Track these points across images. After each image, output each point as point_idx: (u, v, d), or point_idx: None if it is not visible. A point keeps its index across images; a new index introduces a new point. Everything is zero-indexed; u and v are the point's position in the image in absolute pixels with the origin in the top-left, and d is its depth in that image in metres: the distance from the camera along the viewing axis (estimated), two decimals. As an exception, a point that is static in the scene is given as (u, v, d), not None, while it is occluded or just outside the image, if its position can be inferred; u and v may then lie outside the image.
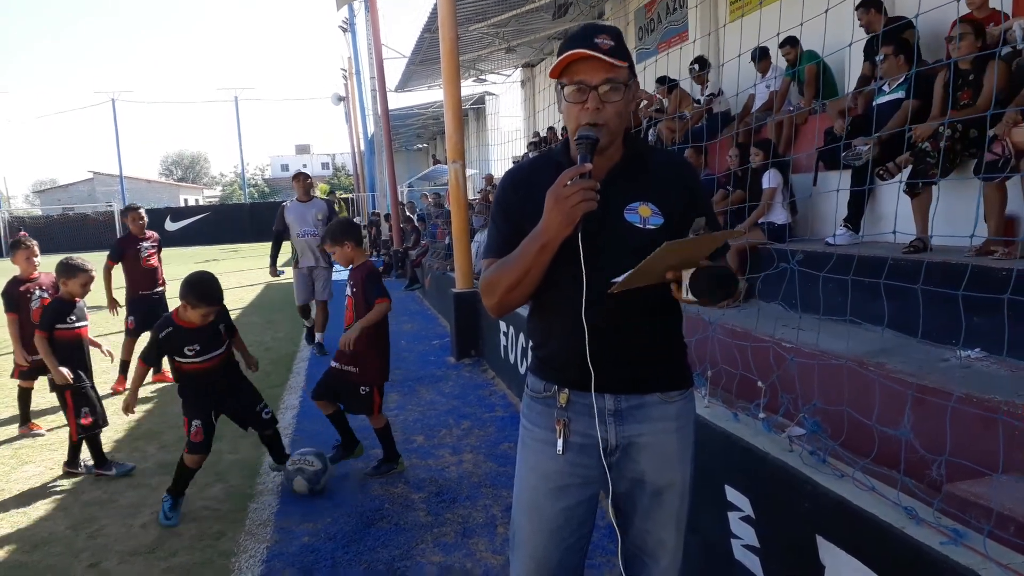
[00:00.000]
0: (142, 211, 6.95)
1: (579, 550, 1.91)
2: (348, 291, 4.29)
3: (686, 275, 1.57)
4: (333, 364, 4.29)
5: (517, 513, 1.94)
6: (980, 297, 3.02)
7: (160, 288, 6.99)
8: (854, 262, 4.10)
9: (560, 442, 1.82)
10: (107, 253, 6.91)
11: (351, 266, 4.35)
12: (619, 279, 1.59)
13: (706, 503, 2.70)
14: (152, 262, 6.88)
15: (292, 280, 8.05)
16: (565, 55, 1.67)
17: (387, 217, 19.00)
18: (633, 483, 1.86)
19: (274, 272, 7.96)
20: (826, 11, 3.77)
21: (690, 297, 1.57)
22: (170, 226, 37.58)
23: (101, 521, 3.93)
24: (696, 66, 8.60)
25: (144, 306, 6.82)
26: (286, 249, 7.92)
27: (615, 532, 1.93)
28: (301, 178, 7.88)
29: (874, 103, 5.63)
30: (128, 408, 3.95)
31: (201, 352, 3.90)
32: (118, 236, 7.06)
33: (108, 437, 5.35)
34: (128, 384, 4.92)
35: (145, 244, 6.84)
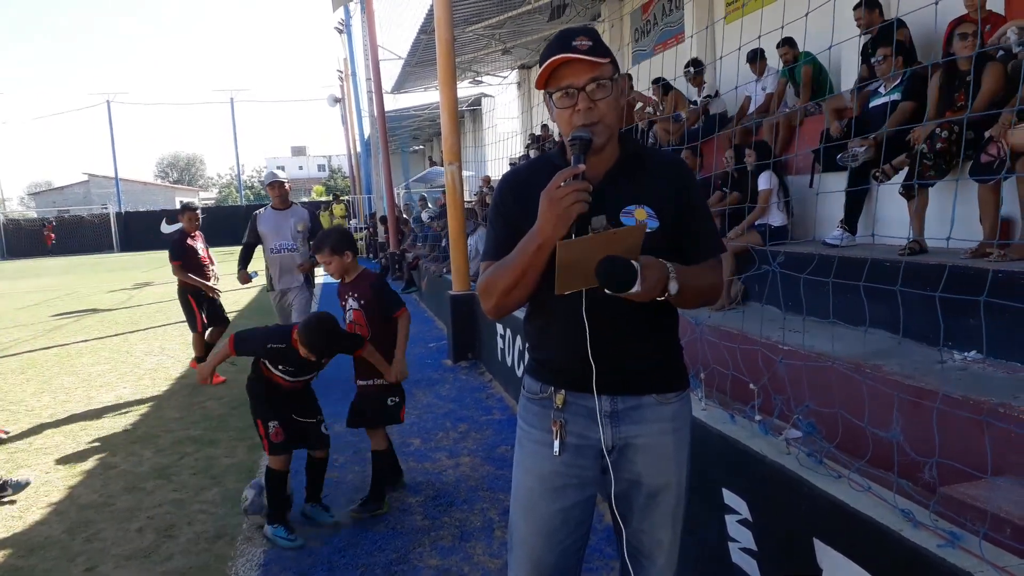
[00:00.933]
0: (199, 211, 7.36)
1: (576, 552, 1.91)
2: (353, 304, 3.95)
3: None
4: (360, 383, 4.04)
5: (514, 514, 1.94)
6: (975, 299, 3.03)
7: (215, 283, 7.41)
8: (835, 263, 4.11)
9: (557, 443, 1.83)
10: (167, 254, 7.22)
11: (344, 279, 4.02)
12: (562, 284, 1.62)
13: (703, 506, 2.70)
14: (206, 259, 7.32)
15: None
16: (547, 63, 1.68)
17: (382, 219, 19.00)
18: (629, 484, 1.86)
19: (244, 278, 6.38)
20: (834, 9, 3.78)
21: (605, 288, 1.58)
22: (165, 228, 37.42)
23: (97, 525, 3.92)
24: (691, 68, 8.61)
25: (206, 301, 7.28)
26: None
27: (612, 535, 1.93)
28: (276, 186, 6.28)
29: (870, 105, 5.65)
30: (203, 379, 4.23)
31: (293, 374, 3.73)
32: (173, 236, 7.30)
33: (105, 441, 5.35)
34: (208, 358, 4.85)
35: (199, 243, 7.25)
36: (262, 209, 6.40)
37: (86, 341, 9.95)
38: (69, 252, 36.74)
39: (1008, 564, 1.66)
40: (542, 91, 1.76)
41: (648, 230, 1.74)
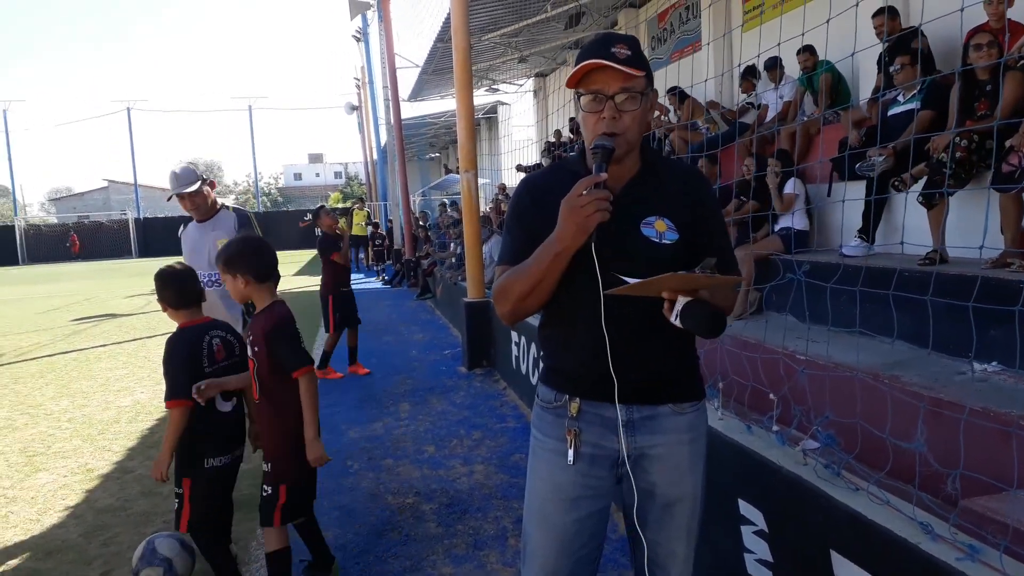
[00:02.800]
0: (336, 213, 7.63)
1: (590, 562, 1.90)
2: (249, 351, 3.00)
3: (681, 300, 1.59)
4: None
5: (528, 524, 1.93)
6: (996, 309, 2.99)
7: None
8: (862, 272, 4.08)
9: (571, 452, 1.82)
10: (321, 250, 7.57)
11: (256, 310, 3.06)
12: (621, 287, 1.60)
13: (719, 517, 2.68)
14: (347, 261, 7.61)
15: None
16: (582, 64, 1.67)
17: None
18: (644, 495, 1.85)
19: None
20: (856, 16, 3.76)
21: (677, 322, 1.60)
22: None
23: (114, 529, 3.95)
24: (751, 76, 8.33)
25: (342, 301, 7.45)
26: None
27: (626, 545, 1.92)
28: (182, 198, 4.24)
29: (888, 113, 5.61)
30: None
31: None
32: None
33: (122, 445, 5.39)
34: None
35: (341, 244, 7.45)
36: (183, 225, 4.54)
37: (104, 346, 10.04)
38: (88, 258, 37.16)
39: (1031, 579, 1.64)
40: (572, 89, 1.75)
41: (668, 242, 1.74)
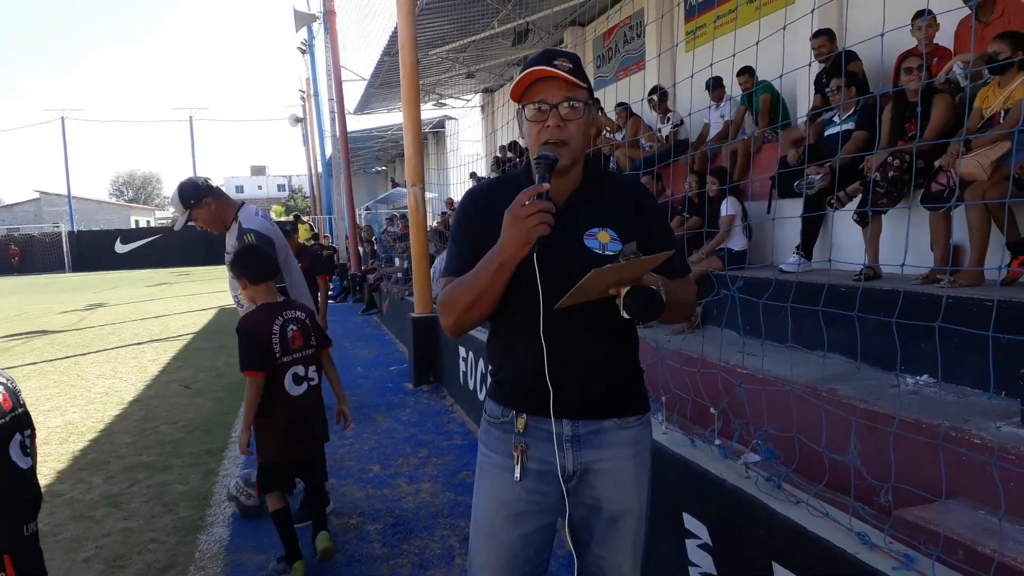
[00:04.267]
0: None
1: (536, 579, 1.89)
2: None
3: (623, 290, 1.59)
4: None
5: (474, 540, 1.92)
6: (927, 324, 3.10)
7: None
8: (792, 288, 4.18)
9: (518, 468, 1.81)
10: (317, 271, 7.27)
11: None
12: (564, 300, 1.60)
13: (664, 530, 2.70)
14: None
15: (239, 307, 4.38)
16: (525, 73, 1.69)
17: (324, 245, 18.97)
18: (590, 509, 1.85)
19: None
20: (797, 31, 3.87)
21: (624, 315, 1.59)
22: (120, 248, 36.81)
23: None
24: (654, 96, 8.74)
25: None
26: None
27: (573, 561, 1.92)
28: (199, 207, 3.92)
29: (825, 134, 5.79)
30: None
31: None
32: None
33: (51, 467, 5.18)
34: None
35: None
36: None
37: (35, 364, 9.66)
38: (19, 272, 35.78)
39: (961, 587, 1.69)
40: (516, 104, 1.76)
41: (611, 253, 1.75)
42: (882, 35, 3.05)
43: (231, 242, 3.89)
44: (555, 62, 1.68)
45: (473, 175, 16.18)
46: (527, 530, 1.83)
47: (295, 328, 3.44)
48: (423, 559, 3.58)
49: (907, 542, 1.98)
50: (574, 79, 1.68)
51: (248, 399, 3.31)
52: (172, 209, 3.67)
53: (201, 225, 3.92)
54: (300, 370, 3.43)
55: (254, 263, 3.45)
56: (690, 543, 2.60)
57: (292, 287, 3.98)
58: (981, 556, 2.23)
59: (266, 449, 3.38)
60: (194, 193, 3.84)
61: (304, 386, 3.44)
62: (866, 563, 1.83)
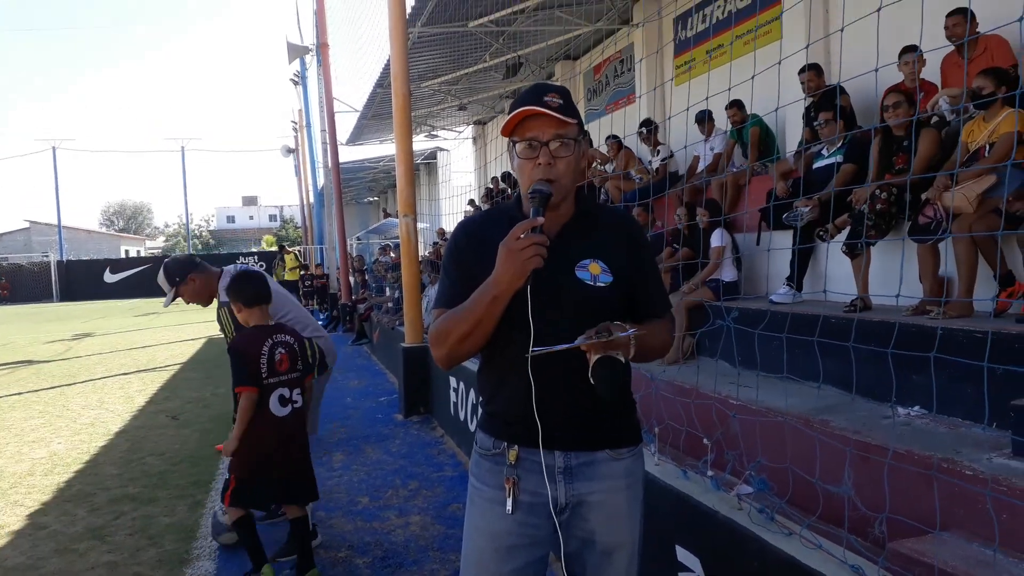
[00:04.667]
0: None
1: (528, 613, 1.86)
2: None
3: (593, 358, 1.62)
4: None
5: (465, 574, 1.89)
6: (918, 355, 3.11)
7: None
8: (787, 319, 4.20)
9: (509, 501, 1.79)
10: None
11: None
12: (539, 349, 1.64)
13: (656, 563, 2.67)
14: None
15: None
16: (516, 112, 1.71)
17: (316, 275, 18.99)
18: (582, 542, 1.83)
19: None
20: (784, 67, 3.94)
21: (591, 380, 1.63)
22: (109, 278, 36.60)
23: (22, 590, 3.70)
24: (644, 128, 8.84)
25: None
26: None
27: (565, 596, 1.89)
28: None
29: (814, 166, 5.86)
30: None
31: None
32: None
33: (35, 499, 5.10)
34: None
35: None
36: None
37: (20, 394, 9.55)
38: (6, 301, 35.51)
39: (957, 621, 1.67)
40: (507, 139, 1.78)
41: (602, 284, 1.76)
42: (875, 70, 3.10)
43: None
44: (545, 98, 1.70)
45: (472, 202, 16.26)
46: (518, 564, 1.81)
47: (283, 351, 3.57)
48: (413, 593, 3.53)
49: (901, 575, 1.96)
50: (563, 117, 1.69)
51: (241, 413, 3.44)
52: (161, 284, 4.09)
53: (188, 300, 4.07)
54: (286, 392, 3.56)
55: (249, 287, 3.63)
56: (683, 576, 2.57)
57: (292, 316, 4.11)
58: (976, 589, 2.21)
59: (243, 464, 3.50)
60: (178, 271, 4.02)
61: (289, 408, 3.57)
62: (861, 597, 1.81)
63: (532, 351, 1.65)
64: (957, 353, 3.26)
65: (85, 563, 3.98)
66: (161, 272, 4.06)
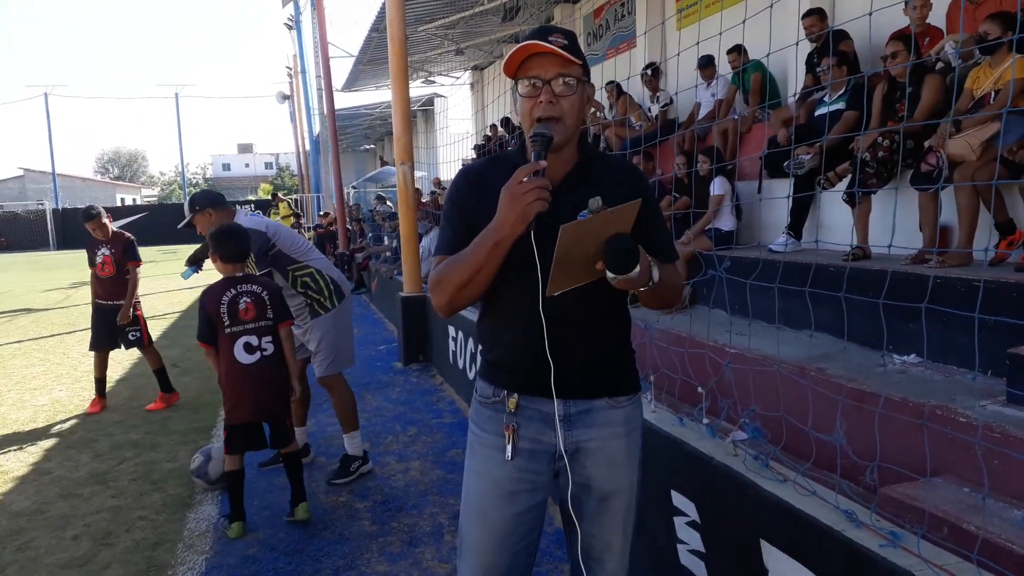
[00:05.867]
0: (102, 217, 6.04)
1: (527, 556, 1.90)
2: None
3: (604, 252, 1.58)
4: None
5: (465, 520, 1.92)
6: (916, 305, 3.11)
7: (118, 301, 6.01)
8: (779, 268, 4.19)
9: (509, 448, 1.81)
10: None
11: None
12: (554, 284, 1.59)
13: (652, 508, 2.72)
14: (107, 270, 5.99)
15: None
16: (519, 48, 1.67)
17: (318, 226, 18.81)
18: (581, 488, 1.86)
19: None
20: (771, 17, 3.85)
21: (610, 276, 1.58)
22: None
23: (30, 533, 3.77)
24: (648, 71, 8.68)
25: (98, 318, 6.07)
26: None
27: (563, 537, 1.93)
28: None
29: (815, 113, 5.78)
30: None
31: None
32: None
33: (39, 446, 5.16)
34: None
35: (101, 250, 6.00)
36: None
37: (20, 342, 9.59)
38: (2, 250, 35.41)
39: (947, 563, 1.71)
40: (510, 78, 1.74)
41: None
42: (870, 14, 3.03)
43: None
44: (550, 38, 1.66)
45: (477, 148, 16.04)
46: (519, 509, 1.83)
47: (248, 300, 3.67)
48: (412, 536, 3.60)
49: (893, 519, 2.00)
50: (568, 55, 1.66)
51: (211, 365, 3.77)
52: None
53: (200, 230, 4.30)
54: (252, 340, 3.66)
55: (230, 244, 3.74)
56: (678, 520, 2.61)
57: (307, 257, 4.30)
58: (965, 533, 2.26)
59: (226, 411, 3.71)
60: (200, 200, 4.32)
61: (257, 355, 3.67)
62: (853, 540, 1.84)
63: (547, 294, 1.62)
64: (955, 302, 3.27)
65: (90, 507, 4.05)
66: (188, 198, 4.45)
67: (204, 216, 4.26)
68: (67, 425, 5.66)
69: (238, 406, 3.65)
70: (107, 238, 6.02)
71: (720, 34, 4.63)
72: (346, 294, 4.41)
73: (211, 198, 4.36)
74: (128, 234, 6.19)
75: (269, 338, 3.72)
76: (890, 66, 4.69)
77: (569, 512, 1.89)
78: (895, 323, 3.72)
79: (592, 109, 9.40)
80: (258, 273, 3.98)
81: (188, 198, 4.46)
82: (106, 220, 6.07)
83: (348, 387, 4.45)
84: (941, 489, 2.61)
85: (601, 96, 9.75)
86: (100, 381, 6.12)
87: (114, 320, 5.96)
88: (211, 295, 3.65)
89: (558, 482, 1.85)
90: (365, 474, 4.41)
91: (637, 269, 1.57)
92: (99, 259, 5.98)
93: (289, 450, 3.81)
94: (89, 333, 6.13)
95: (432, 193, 16.50)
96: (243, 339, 3.64)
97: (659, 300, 1.78)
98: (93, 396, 6.16)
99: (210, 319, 3.62)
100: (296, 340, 4.30)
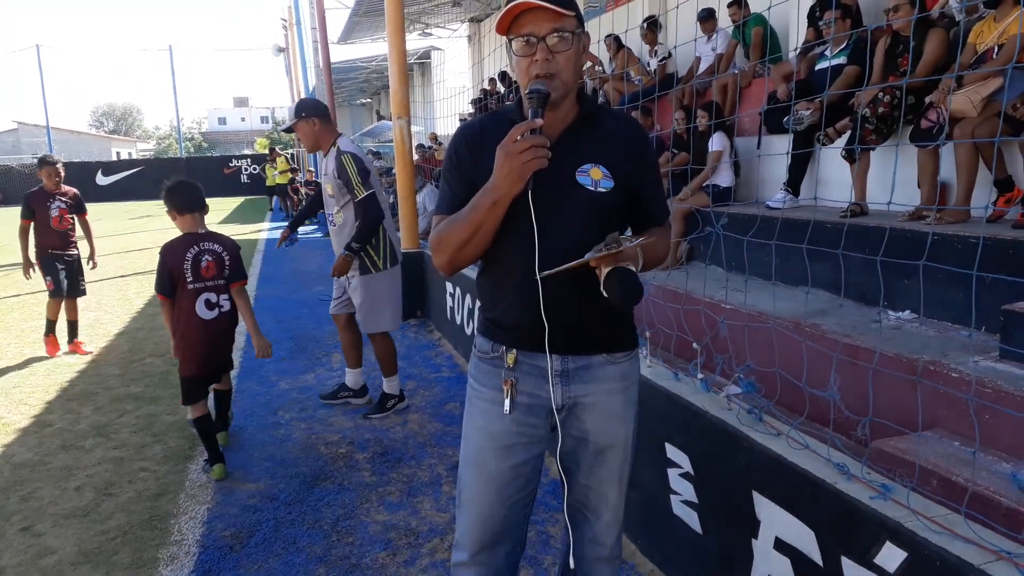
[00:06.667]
0: (59, 165, 6.36)
1: (524, 506, 1.94)
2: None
3: (604, 271, 1.60)
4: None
5: (464, 471, 1.95)
6: (912, 263, 3.12)
7: (73, 251, 6.44)
8: (778, 224, 4.19)
9: (507, 402, 1.83)
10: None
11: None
12: (550, 271, 1.63)
13: (647, 460, 2.76)
14: (64, 223, 6.29)
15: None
16: (511, 5, 1.64)
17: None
18: (577, 441, 1.89)
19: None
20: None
21: (604, 294, 1.61)
22: (101, 180, 36.10)
23: (33, 484, 3.82)
24: (646, 25, 8.57)
25: (59, 267, 6.36)
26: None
27: (558, 488, 1.96)
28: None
29: (816, 68, 5.71)
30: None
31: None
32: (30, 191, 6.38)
33: (39, 399, 5.20)
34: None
35: (56, 203, 6.24)
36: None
37: (18, 296, 9.59)
38: (-2, 203, 35.20)
39: (935, 515, 1.74)
40: (503, 36, 1.72)
41: (603, 190, 1.74)
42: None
43: (329, 165, 4.39)
44: None
45: (474, 102, 15.85)
46: (516, 461, 1.86)
47: (210, 259, 3.78)
48: (411, 486, 3.66)
49: (884, 473, 2.03)
50: (560, 8, 1.63)
51: (164, 316, 3.84)
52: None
53: (299, 137, 4.41)
54: (212, 297, 3.79)
55: (182, 194, 3.82)
56: (672, 472, 2.66)
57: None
58: (955, 485, 2.30)
59: (183, 363, 3.80)
60: (307, 108, 4.36)
61: (215, 312, 3.81)
62: (844, 493, 1.88)
63: (541, 274, 1.65)
64: (951, 258, 3.27)
65: (92, 459, 4.10)
66: (297, 101, 4.46)
67: (308, 124, 4.33)
68: (67, 378, 5.70)
69: (194, 360, 3.79)
70: (58, 190, 6.29)
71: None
72: (399, 260, 4.53)
73: (319, 108, 4.40)
74: (74, 188, 6.51)
75: (227, 295, 3.86)
76: (893, 19, 4.62)
77: (565, 464, 1.92)
78: (891, 279, 3.74)
79: (589, 63, 9.28)
80: (364, 193, 4.18)
81: (296, 103, 4.50)
82: (62, 170, 6.35)
83: (389, 339, 4.65)
84: (932, 443, 2.65)
85: (600, 50, 9.61)
86: (55, 323, 6.45)
87: (77, 269, 6.44)
88: (173, 250, 3.72)
89: (556, 435, 1.88)
90: (401, 410, 4.68)
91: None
92: (55, 212, 6.26)
93: (219, 387, 4.17)
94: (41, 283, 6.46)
95: (429, 149, 16.35)
96: (204, 295, 3.76)
97: (645, 270, 1.80)
98: (70, 343, 6.49)
99: (172, 273, 3.70)
100: (340, 287, 4.58)
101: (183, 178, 3.91)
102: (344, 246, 4.31)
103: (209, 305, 3.78)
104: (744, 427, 2.33)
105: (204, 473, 3.86)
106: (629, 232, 1.91)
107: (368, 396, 4.91)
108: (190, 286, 3.72)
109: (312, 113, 4.33)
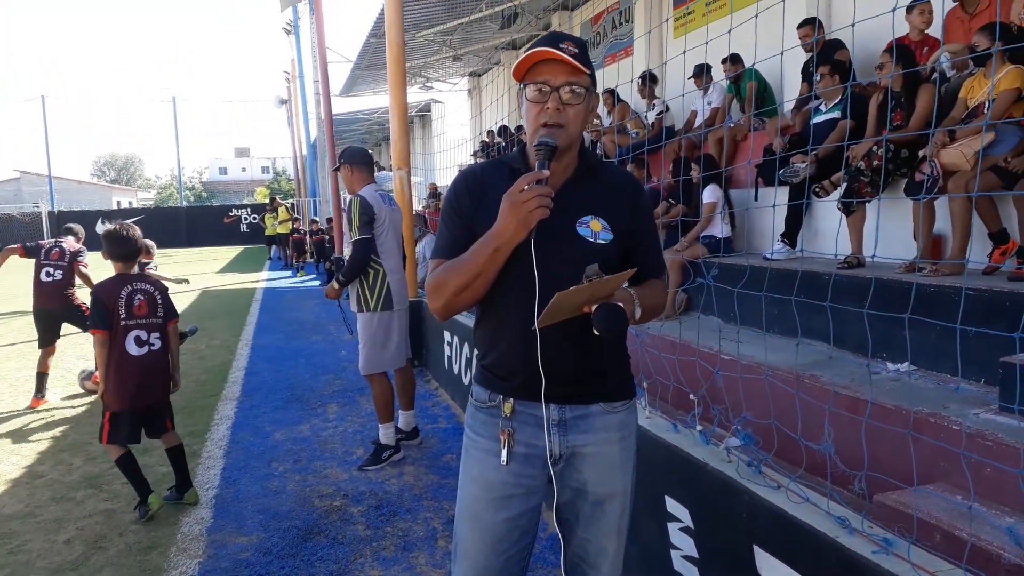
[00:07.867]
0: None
1: (520, 560, 1.90)
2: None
3: (593, 309, 1.63)
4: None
5: (459, 524, 1.92)
6: (908, 316, 3.13)
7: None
8: (770, 275, 4.20)
9: (504, 452, 1.81)
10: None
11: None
12: (543, 319, 1.64)
13: (646, 513, 2.72)
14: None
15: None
16: (530, 53, 1.69)
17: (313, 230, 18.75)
18: (575, 492, 1.86)
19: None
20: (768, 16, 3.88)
21: (595, 330, 1.63)
22: (100, 228, 36.29)
23: (23, 536, 3.76)
24: (643, 79, 8.73)
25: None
26: None
27: (556, 543, 1.93)
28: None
29: (811, 122, 5.81)
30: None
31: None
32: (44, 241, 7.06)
33: (32, 449, 5.14)
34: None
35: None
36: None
37: (14, 345, 9.55)
38: (-2, 251, 35.28)
39: (938, 569, 1.72)
40: (518, 83, 1.76)
41: (602, 242, 1.76)
42: (853, 25, 3.06)
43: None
44: (561, 45, 1.68)
45: (476, 154, 16.04)
46: (512, 513, 1.84)
47: (142, 298, 3.97)
48: (406, 541, 3.59)
49: (885, 527, 2.00)
50: (578, 64, 1.68)
51: (97, 352, 3.93)
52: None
53: (340, 179, 5.04)
54: (143, 334, 3.93)
55: (116, 246, 4.06)
56: (672, 526, 2.62)
57: (385, 258, 4.70)
58: (958, 540, 2.27)
59: (109, 398, 3.87)
60: (351, 157, 4.87)
61: (145, 349, 3.94)
62: (846, 547, 1.85)
63: (540, 325, 1.65)
64: (949, 310, 3.28)
65: (83, 511, 4.04)
66: (345, 149, 4.97)
67: (347, 169, 4.85)
68: (61, 428, 5.64)
69: (122, 396, 3.86)
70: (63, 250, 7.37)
71: (706, 42, 4.65)
72: (394, 308, 4.74)
73: (358, 156, 4.90)
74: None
75: (157, 334, 4.00)
76: (879, 76, 4.72)
77: (562, 517, 1.89)
78: (890, 331, 3.74)
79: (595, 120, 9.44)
80: (358, 236, 4.51)
81: (345, 149, 4.99)
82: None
83: (386, 382, 4.79)
84: (933, 497, 2.62)
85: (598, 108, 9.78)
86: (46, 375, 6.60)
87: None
88: (107, 288, 3.90)
89: (553, 486, 1.86)
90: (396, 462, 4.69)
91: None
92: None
93: (169, 444, 4.10)
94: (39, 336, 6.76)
95: (430, 198, 16.46)
96: (135, 332, 3.90)
97: (642, 321, 1.81)
98: (60, 396, 6.63)
99: (107, 309, 3.84)
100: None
101: (119, 229, 4.11)
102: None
103: (139, 342, 3.91)
104: (744, 480, 2.31)
105: (141, 517, 3.87)
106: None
107: (420, 438, 5.08)
108: (123, 323, 3.87)
109: (349, 160, 4.84)
